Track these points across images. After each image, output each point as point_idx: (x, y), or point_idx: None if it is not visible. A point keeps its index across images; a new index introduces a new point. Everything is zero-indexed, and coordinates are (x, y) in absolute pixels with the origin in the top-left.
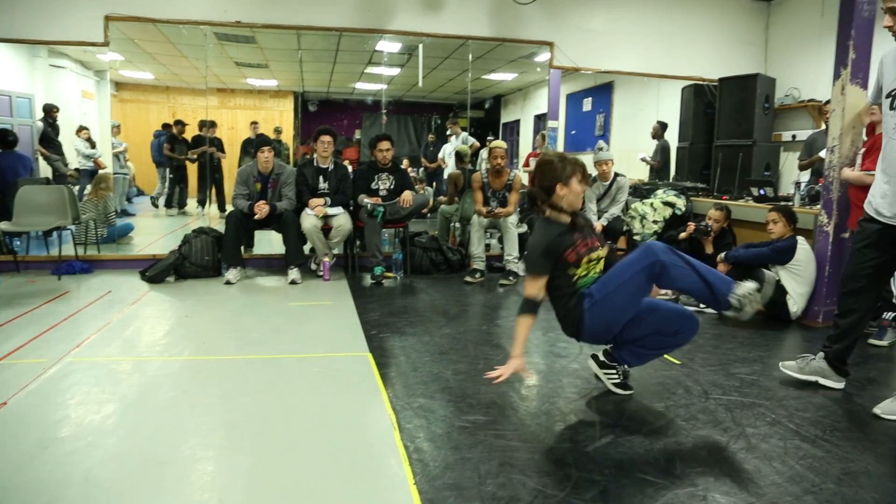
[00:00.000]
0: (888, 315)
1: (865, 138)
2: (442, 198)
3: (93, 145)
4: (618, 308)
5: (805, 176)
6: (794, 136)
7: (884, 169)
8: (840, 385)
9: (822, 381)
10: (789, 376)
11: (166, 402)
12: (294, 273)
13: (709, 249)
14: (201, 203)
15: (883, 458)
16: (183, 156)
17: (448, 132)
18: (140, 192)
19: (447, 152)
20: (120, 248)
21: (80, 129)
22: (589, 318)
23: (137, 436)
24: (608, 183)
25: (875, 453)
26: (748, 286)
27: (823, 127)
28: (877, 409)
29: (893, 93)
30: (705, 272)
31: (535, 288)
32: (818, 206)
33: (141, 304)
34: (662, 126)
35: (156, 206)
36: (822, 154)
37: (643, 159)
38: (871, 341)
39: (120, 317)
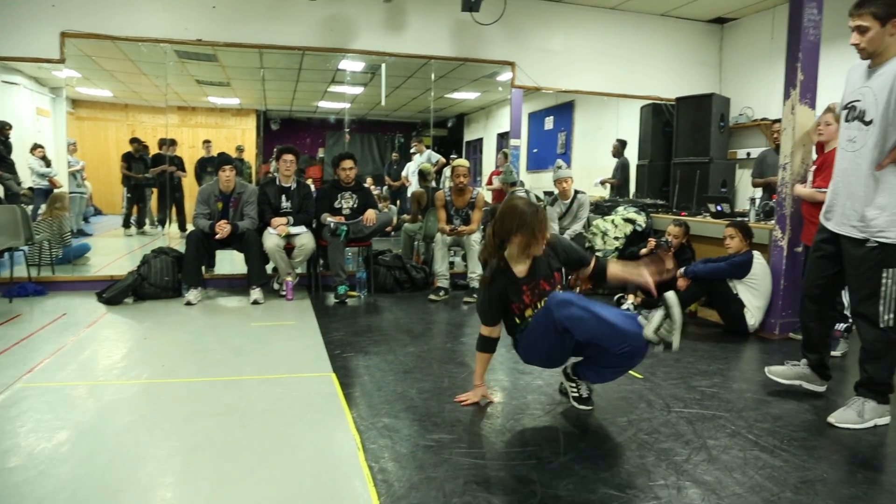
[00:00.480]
0: (840, 326)
1: (815, 156)
2: (405, 216)
3: (48, 164)
4: (543, 357)
5: (759, 192)
6: (748, 154)
7: (833, 181)
8: (822, 388)
9: (805, 385)
10: (775, 381)
11: (123, 428)
12: (256, 293)
13: (669, 265)
14: (161, 222)
15: (837, 466)
16: (140, 174)
17: (412, 150)
18: (98, 212)
19: (410, 170)
20: (76, 270)
21: (35, 147)
22: (524, 356)
23: (92, 463)
24: (569, 201)
25: (830, 461)
26: (656, 319)
27: (773, 145)
28: (831, 419)
29: (848, 105)
30: (608, 316)
31: (489, 330)
32: (772, 222)
33: (97, 327)
34: (622, 144)
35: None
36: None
37: (601, 183)
38: None
39: (75, 340)
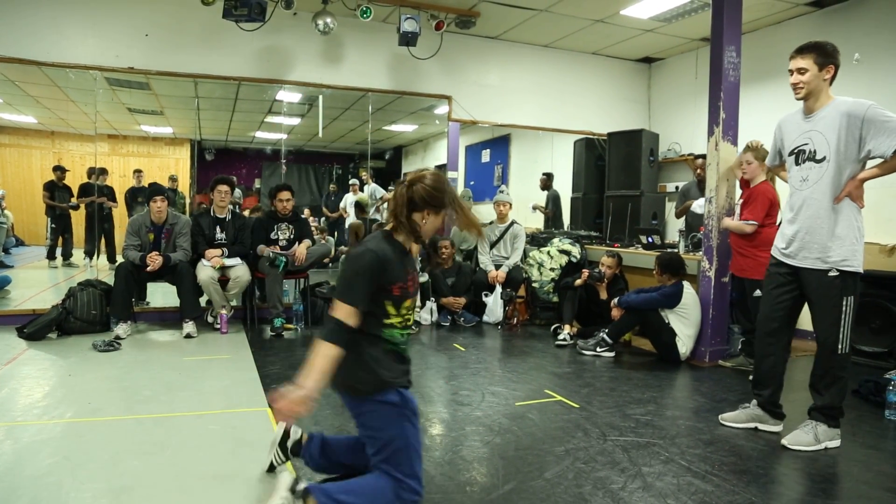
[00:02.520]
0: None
1: (741, 191)
2: (343, 248)
3: None
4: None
5: (682, 223)
6: (677, 187)
7: (790, 219)
8: (778, 428)
9: (760, 426)
10: (731, 428)
11: (44, 471)
12: (189, 326)
13: (603, 295)
14: (89, 254)
15: (763, 489)
16: (65, 203)
17: (350, 181)
18: (20, 243)
19: (348, 202)
20: None
21: None
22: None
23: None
24: (504, 227)
25: (758, 485)
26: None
27: (696, 178)
28: (784, 441)
29: (796, 150)
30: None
31: (348, 313)
32: (700, 253)
33: (17, 364)
34: (549, 177)
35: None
36: (693, 206)
37: (535, 207)
38: (752, 377)
39: None
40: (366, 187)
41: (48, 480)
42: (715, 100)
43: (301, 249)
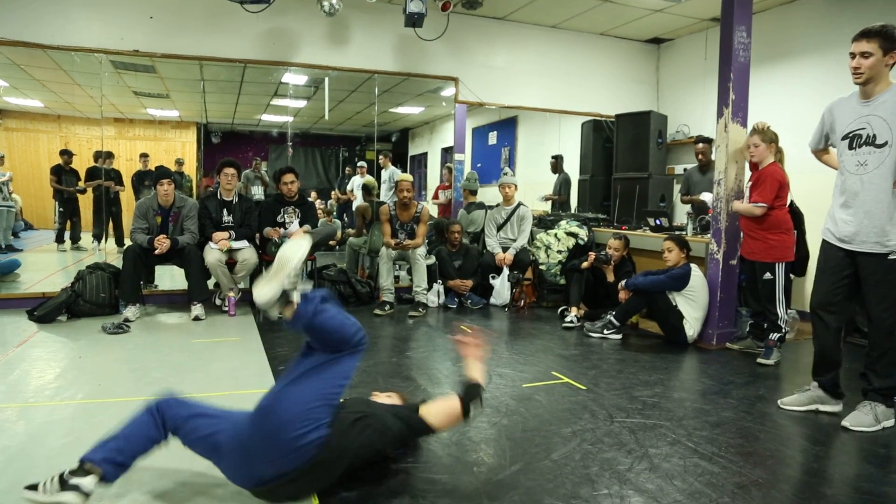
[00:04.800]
0: (773, 336)
1: (750, 173)
2: (350, 230)
3: None
4: None
5: (688, 208)
6: (685, 170)
7: (844, 203)
8: (838, 408)
9: (821, 407)
10: (791, 411)
11: (56, 451)
12: (197, 309)
13: (610, 277)
14: (97, 238)
15: (770, 470)
16: (72, 187)
17: (358, 164)
18: (28, 227)
19: (356, 185)
20: (4, 287)
21: None
22: None
23: (20, 490)
24: (510, 209)
25: (764, 466)
26: None
27: (697, 163)
28: (845, 423)
29: (852, 134)
30: None
31: None
32: (709, 235)
33: (28, 346)
34: (559, 160)
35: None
36: (703, 196)
37: (546, 198)
38: (760, 360)
39: (4, 360)
40: (384, 171)
41: (61, 461)
42: (724, 81)
43: (298, 232)
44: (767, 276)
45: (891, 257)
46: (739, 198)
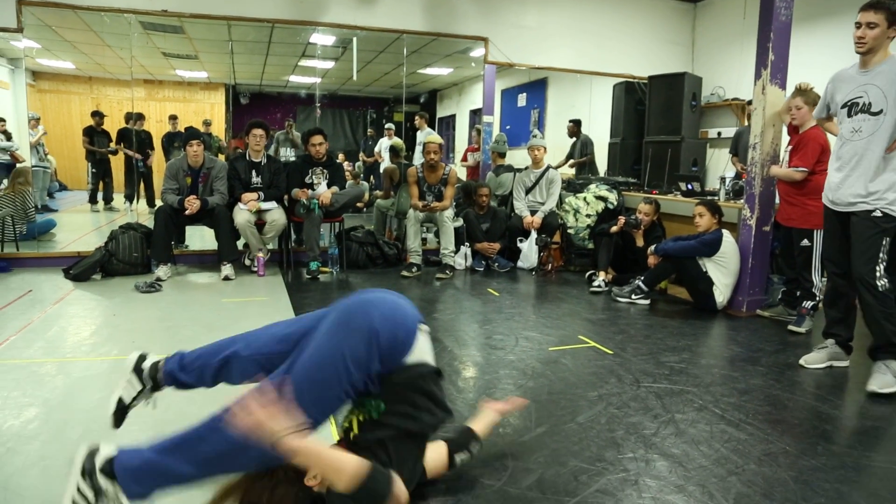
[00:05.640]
0: (807, 303)
1: (789, 137)
2: (378, 192)
3: (8, 137)
4: None
5: (730, 171)
6: (719, 133)
7: (838, 168)
8: (846, 363)
9: (835, 363)
10: (814, 369)
11: (93, 404)
12: (227, 269)
13: (639, 242)
14: (129, 198)
15: (799, 439)
16: (104, 148)
17: (386, 126)
18: (63, 187)
19: (383, 146)
20: (41, 246)
21: None
22: None
23: (62, 440)
24: (539, 172)
25: (792, 434)
26: None
27: (747, 123)
28: (872, 387)
29: (850, 103)
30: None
31: None
32: (741, 201)
33: (65, 304)
34: (577, 124)
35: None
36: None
37: (559, 165)
38: (791, 328)
39: (42, 317)
40: (419, 133)
41: (98, 413)
42: (764, 41)
43: (326, 193)
44: (805, 242)
45: (874, 214)
46: (775, 162)
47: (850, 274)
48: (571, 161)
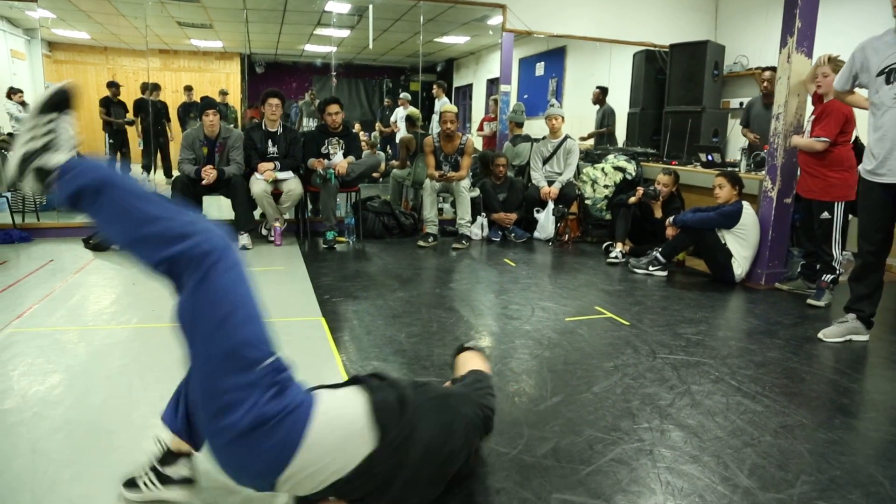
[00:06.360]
0: (826, 277)
1: (813, 107)
2: (394, 162)
3: (26, 109)
4: None
5: (743, 143)
6: (741, 104)
7: (880, 137)
8: (866, 337)
9: (854, 338)
10: (833, 343)
11: (115, 371)
12: (244, 239)
13: (658, 214)
14: (146, 169)
15: (815, 412)
16: (121, 119)
17: (401, 95)
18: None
19: (399, 116)
20: (61, 216)
21: (13, 91)
22: None
23: (85, 405)
24: (557, 142)
25: (809, 407)
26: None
27: (762, 93)
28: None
29: (888, 69)
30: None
31: None
32: (763, 172)
33: (85, 273)
34: (603, 91)
35: None
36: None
37: (587, 136)
38: (810, 302)
39: (63, 286)
40: (437, 102)
41: (119, 380)
42: (791, 6)
43: (342, 163)
44: (825, 215)
45: None
46: (799, 133)
47: (883, 250)
48: (590, 132)
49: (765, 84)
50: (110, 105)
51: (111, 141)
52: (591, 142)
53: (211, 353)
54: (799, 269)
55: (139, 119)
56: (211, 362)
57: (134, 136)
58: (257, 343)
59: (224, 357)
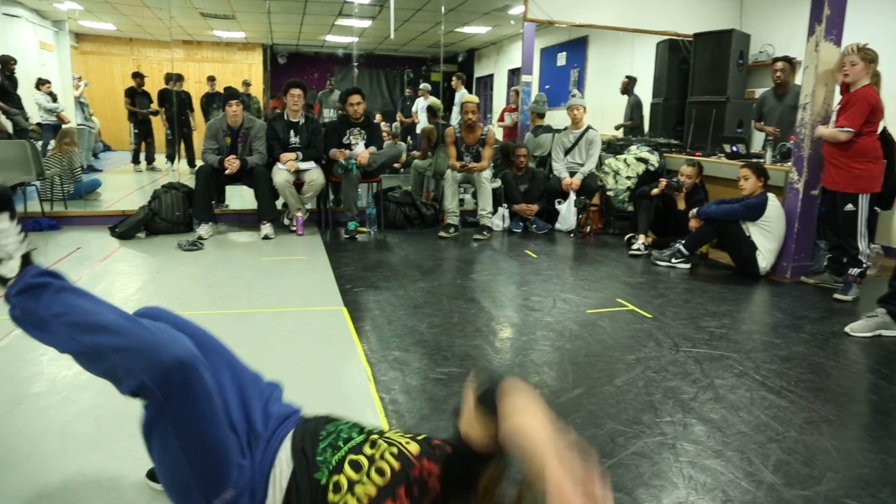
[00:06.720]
0: (853, 271)
1: (840, 96)
2: (416, 152)
3: (54, 99)
4: None
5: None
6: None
7: None
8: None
9: (884, 332)
10: (861, 338)
11: None
12: (267, 228)
13: (681, 205)
14: (170, 158)
15: (843, 408)
16: (145, 109)
17: (421, 86)
18: (106, 148)
19: (420, 107)
20: (88, 205)
21: (42, 82)
22: None
23: (112, 390)
24: (579, 133)
25: (836, 403)
26: None
27: (773, 85)
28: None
29: None
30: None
31: None
32: (789, 164)
33: (111, 261)
34: (632, 81)
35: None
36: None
37: (618, 127)
38: (837, 296)
39: (90, 273)
40: (457, 94)
41: None
42: None
43: (364, 153)
44: (849, 207)
45: None
46: (826, 123)
47: None
48: (617, 124)
49: (777, 75)
50: (135, 95)
51: (136, 131)
52: (621, 132)
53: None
54: (825, 263)
55: (163, 109)
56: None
57: (158, 126)
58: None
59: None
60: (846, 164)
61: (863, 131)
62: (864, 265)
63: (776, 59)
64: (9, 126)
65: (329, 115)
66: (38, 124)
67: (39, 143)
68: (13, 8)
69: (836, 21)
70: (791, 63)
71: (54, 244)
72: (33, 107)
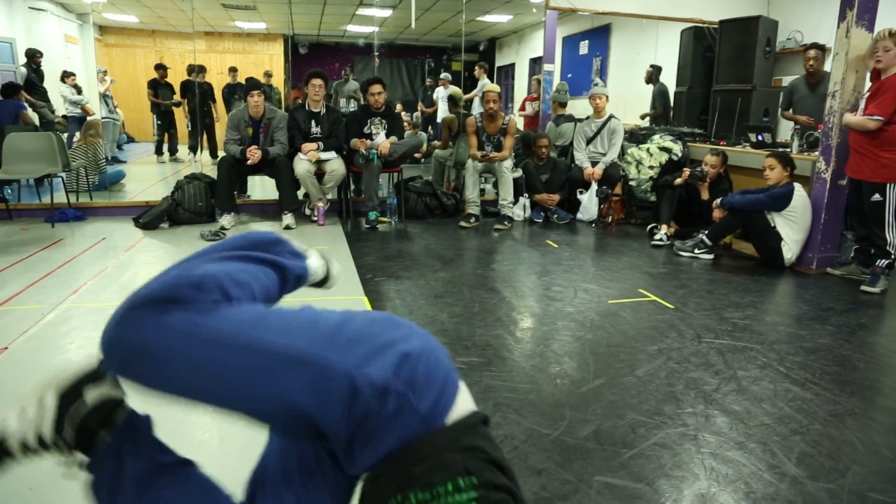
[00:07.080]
0: (881, 262)
1: (870, 83)
2: (436, 142)
3: (79, 91)
4: None
5: (786, 129)
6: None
7: None
8: None
9: None
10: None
11: None
12: (288, 218)
13: (704, 195)
14: (193, 149)
15: (868, 401)
16: (168, 101)
17: (441, 75)
18: (130, 139)
19: (441, 96)
20: (112, 196)
21: (67, 74)
22: None
23: None
24: (601, 122)
25: (861, 396)
26: None
27: (804, 73)
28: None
29: None
30: None
31: None
32: (816, 153)
33: (136, 251)
34: (657, 70)
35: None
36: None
37: (643, 116)
38: (864, 288)
39: (115, 263)
40: (479, 83)
41: None
42: None
43: (385, 143)
44: (876, 197)
45: None
46: (854, 111)
47: None
48: (643, 113)
49: (810, 63)
50: (158, 87)
51: (159, 122)
52: (646, 121)
53: None
54: (852, 254)
55: (186, 100)
56: None
57: (181, 117)
58: None
59: None
60: (873, 153)
61: (892, 120)
62: (893, 256)
63: (808, 47)
64: (35, 118)
65: (344, 104)
66: (64, 116)
67: (65, 135)
68: (39, 2)
69: (869, 6)
70: (823, 50)
71: (80, 234)
72: (59, 99)
